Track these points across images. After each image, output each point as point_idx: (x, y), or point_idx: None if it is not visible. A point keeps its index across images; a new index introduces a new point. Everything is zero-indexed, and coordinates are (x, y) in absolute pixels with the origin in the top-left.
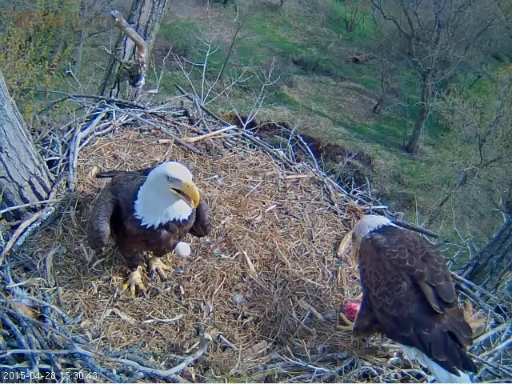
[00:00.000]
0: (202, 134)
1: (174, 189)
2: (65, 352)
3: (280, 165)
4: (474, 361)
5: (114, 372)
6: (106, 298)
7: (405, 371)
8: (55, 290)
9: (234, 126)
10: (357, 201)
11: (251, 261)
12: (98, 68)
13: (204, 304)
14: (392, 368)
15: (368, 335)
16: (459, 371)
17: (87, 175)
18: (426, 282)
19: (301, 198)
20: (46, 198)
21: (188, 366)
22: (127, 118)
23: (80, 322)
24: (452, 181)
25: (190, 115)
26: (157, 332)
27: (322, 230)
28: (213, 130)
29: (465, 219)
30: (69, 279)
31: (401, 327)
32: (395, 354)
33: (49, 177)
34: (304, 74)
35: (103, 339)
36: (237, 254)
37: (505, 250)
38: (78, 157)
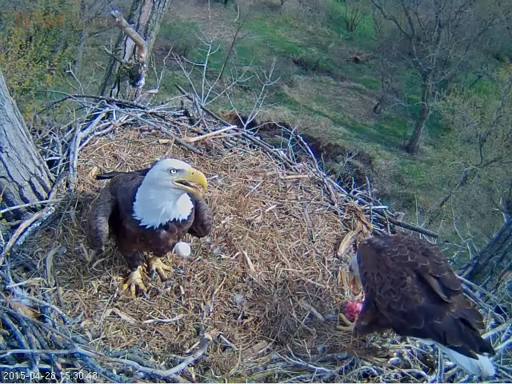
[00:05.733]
0: (202, 134)
1: (178, 181)
2: (65, 352)
3: (280, 165)
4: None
5: (114, 372)
6: (106, 298)
7: (405, 371)
8: (55, 289)
9: (235, 126)
10: (357, 201)
11: (251, 261)
12: (98, 68)
13: (204, 304)
14: (392, 368)
15: (370, 334)
16: (477, 354)
17: (87, 175)
18: (430, 274)
19: (301, 198)
20: (46, 198)
21: (188, 366)
22: (127, 117)
23: (80, 322)
24: (452, 181)
25: (191, 115)
26: (157, 332)
27: (322, 230)
28: (213, 130)
29: (465, 219)
30: (69, 279)
31: (411, 321)
32: (395, 354)
33: (49, 177)
34: (304, 74)
35: (103, 339)
36: (237, 254)
37: (505, 250)
38: (78, 157)
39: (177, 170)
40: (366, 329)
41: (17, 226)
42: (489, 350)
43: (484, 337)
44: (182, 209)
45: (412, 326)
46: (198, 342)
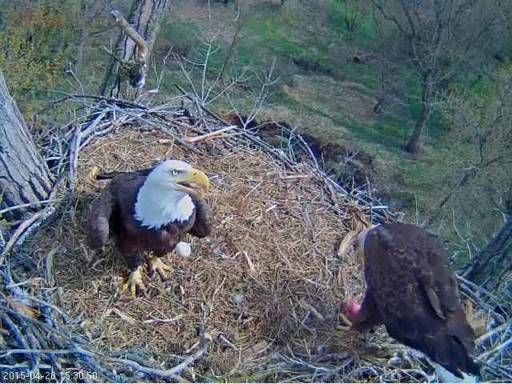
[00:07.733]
0: (202, 134)
1: (179, 183)
2: (65, 352)
3: (280, 165)
4: (474, 361)
5: (114, 372)
6: (106, 298)
7: (405, 371)
8: (55, 289)
9: (235, 126)
10: (357, 201)
11: (251, 261)
12: (98, 68)
13: (204, 304)
14: (392, 368)
15: (367, 330)
16: (463, 374)
17: (87, 175)
18: (430, 286)
19: (301, 198)
20: (47, 198)
21: (188, 366)
22: (127, 117)
23: (80, 322)
24: (452, 181)
25: (191, 115)
26: (157, 332)
27: (323, 230)
28: (213, 130)
29: (465, 219)
30: (69, 279)
31: (405, 329)
32: (395, 354)
33: (49, 177)
34: (304, 74)
35: (103, 339)
36: (237, 253)
37: (505, 250)
38: (79, 157)
39: (179, 171)
40: (364, 324)
41: (17, 226)
42: (475, 372)
43: (484, 337)
44: (184, 210)
45: (405, 334)
46: (198, 342)
